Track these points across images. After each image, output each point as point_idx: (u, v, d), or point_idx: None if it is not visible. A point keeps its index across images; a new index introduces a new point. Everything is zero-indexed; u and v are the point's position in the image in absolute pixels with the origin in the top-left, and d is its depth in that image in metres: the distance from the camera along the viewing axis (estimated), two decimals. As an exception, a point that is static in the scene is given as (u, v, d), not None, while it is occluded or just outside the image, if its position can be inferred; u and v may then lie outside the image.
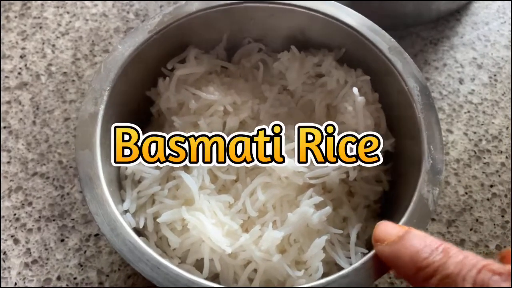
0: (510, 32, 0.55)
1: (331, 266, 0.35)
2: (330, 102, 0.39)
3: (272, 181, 0.36)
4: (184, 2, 0.38)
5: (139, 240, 0.31)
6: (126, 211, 0.35)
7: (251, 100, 0.39)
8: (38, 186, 0.45)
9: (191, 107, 0.38)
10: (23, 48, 0.53)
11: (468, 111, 0.51)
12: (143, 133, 0.38)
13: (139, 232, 0.35)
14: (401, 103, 0.37)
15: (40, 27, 0.54)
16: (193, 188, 0.35)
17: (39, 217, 0.44)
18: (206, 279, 0.33)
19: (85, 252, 0.43)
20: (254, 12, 0.39)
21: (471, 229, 0.45)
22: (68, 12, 0.55)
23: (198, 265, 0.35)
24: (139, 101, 0.40)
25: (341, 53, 0.40)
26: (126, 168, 0.36)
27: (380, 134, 0.38)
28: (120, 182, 0.37)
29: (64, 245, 0.43)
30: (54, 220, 0.44)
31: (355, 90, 0.37)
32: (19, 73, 0.51)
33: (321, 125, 0.36)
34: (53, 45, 0.53)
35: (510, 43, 0.54)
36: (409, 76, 0.36)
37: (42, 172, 0.46)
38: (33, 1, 0.55)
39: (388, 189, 0.39)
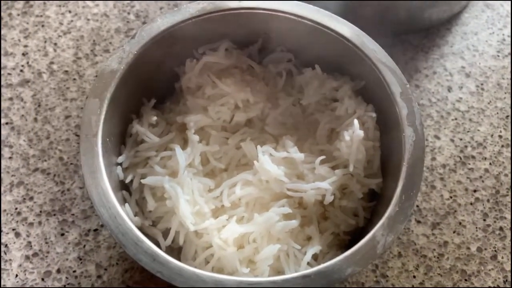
0: (497, 43, 0.57)
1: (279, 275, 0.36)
2: (335, 127, 0.41)
3: (253, 180, 0.38)
4: None
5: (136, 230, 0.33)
6: (119, 164, 0.38)
7: (263, 103, 0.41)
8: (39, 181, 0.47)
9: (206, 92, 0.41)
10: (25, 46, 0.54)
11: (455, 118, 0.53)
12: (162, 105, 0.43)
13: (125, 186, 0.38)
14: (394, 148, 0.37)
15: (42, 26, 0.55)
16: (181, 163, 0.37)
17: (40, 211, 0.46)
18: (168, 249, 0.37)
19: (84, 246, 0.44)
20: (296, 24, 0.40)
21: (454, 232, 0.47)
22: (70, 11, 0.56)
23: (166, 233, 0.37)
24: (164, 73, 0.42)
25: (360, 85, 0.41)
26: (133, 127, 0.39)
27: (371, 172, 0.40)
28: (123, 137, 0.40)
29: (64, 239, 0.45)
30: (54, 214, 0.46)
31: (355, 122, 0.38)
32: (21, 71, 0.52)
33: (320, 145, 0.39)
34: (55, 44, 0.54)
35: (497, 53, 0.57)
36: (410, 125, 0.36)
37: (43, 168, 0.48)
38: (36, 0, 0.56)
39: (364, 226, 0.40)
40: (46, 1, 0.57)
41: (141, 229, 0.37)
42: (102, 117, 0.35)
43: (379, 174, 0.39)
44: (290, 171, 0.38)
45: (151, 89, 0.41)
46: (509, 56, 0.57)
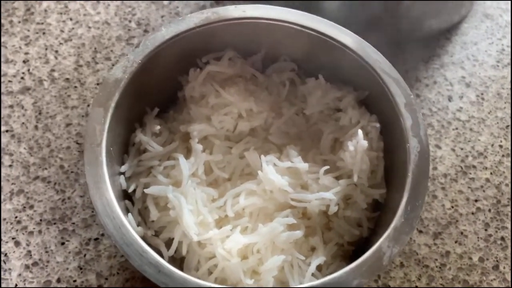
0: (497, 53, 0.58)
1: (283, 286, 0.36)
2: (339, 137, 0.41)
3: (257, 190, 0.38)
4: (233, 6, 0.40)
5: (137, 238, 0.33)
6: (122, 173, 0.38)
7: (267, 112, 0.41)
8: (39, 189, 0.47)
9: (210, 101, 0.41)
10: (26, 53, 0.54)
11: (456, 128, 0.53)
12: (167, 114, 0.43)
13: (128, 195, 0.38)
14: (398, 159, 0.37)
15: (44, 33, 0.55)
16: (184, 172, 0.37)
17: (40, 220, 0.45)
18: (170, 259, 0.36)
19: (85, 255, 0.44)
20: (299, 34, 0.40)
21: (456, 242, 0.47)
22: (71, 19, 0.56)
23: (169, 243, 0.37)
24: (167, 82, 0.42)
25: (363, 95, 0.42)
26: (136, 136, 0.39)
27: (375, 182, 0.40)
28: (126, 146, 0.40)
29: (64, 248, 0.44)
30: (55, 223, 0.45)
31: (359, 132, 0.38)
32: (22, 78, 0.52)
33: (324, 155, 0.39)
34: (56, 51, 0.54)
35: (496, 63, 0.57)
36: (415, 135, 0.36)
37: (44, 176, 0.47)
38: (37, 7, 0.56)
39: (368, 236, 0.40)
40: (47, 8, 0.56)
41: (143, 239, 0.36)
42: (107, 126, 0.35)
43: (382, 184, 0.39)
44: (294, 181, 0.38)
45: (154, 98, 0.41)
46: (509, 66, 0.57)
